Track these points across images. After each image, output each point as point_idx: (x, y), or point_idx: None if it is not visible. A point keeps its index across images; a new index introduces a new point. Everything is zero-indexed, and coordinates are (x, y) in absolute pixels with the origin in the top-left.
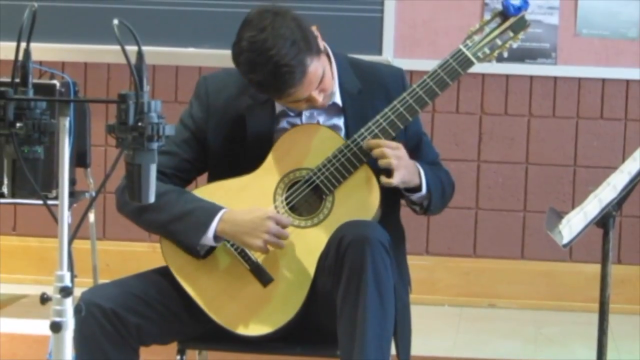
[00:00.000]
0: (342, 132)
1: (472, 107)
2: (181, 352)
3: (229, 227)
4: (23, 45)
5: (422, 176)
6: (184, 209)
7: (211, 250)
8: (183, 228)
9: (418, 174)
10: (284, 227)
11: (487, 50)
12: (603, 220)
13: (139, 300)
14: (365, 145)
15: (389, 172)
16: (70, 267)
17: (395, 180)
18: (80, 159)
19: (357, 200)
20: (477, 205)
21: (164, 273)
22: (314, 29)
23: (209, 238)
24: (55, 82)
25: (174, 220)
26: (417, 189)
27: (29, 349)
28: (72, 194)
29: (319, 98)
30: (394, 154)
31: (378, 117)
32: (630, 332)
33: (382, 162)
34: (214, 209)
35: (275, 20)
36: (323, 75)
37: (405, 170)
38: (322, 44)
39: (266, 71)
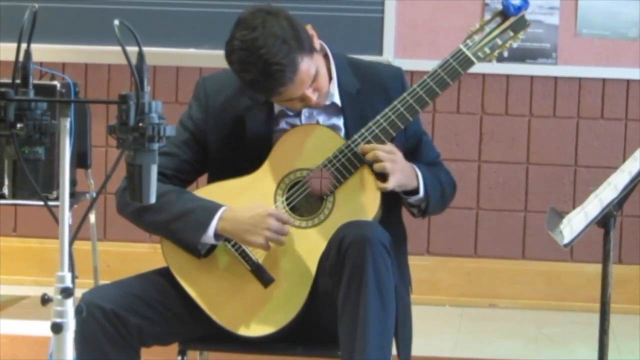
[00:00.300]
0: (342, 132)
1: (473, 107)
2: (182, 352)
3: (229, 225)
4: (24, 46)
5: (420, 179)
6: (184, 208)
7: (212, 250)
8: (183, 227)
9: (415, 176)
10: (285, 224)
11: (487, 50)
12: (604, 220)
13: (139, 301)
14: (359, 150)
15: (385, 176)
16: (71, 268)
17: (391, 184)
18: (80, 159)
19: (358, 201)
20: (478, 205)
21: (164, 274)
22: (308, 28)
23: (209, 236)
24: (56, 83)
25: (175, 219)
26: (415, 191)
27: (30, 350)
28: (73, 195)
29: (313, 97)
30: (389, 157)
31: (378, 117)
32: (631, 331)
33: (376, 167)
34: (214, 207)
35: (267, 19)
36: (317, 74)
37: (401, 174)
38: (318, 43)
39: (257, 70)
